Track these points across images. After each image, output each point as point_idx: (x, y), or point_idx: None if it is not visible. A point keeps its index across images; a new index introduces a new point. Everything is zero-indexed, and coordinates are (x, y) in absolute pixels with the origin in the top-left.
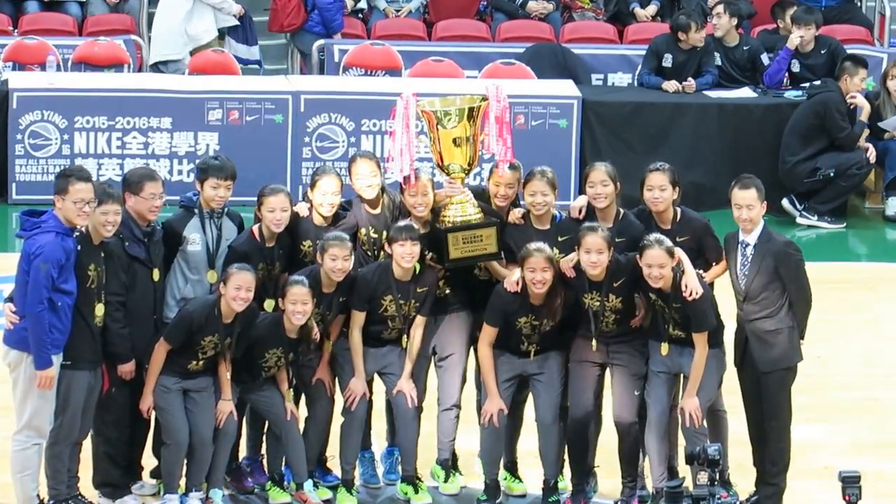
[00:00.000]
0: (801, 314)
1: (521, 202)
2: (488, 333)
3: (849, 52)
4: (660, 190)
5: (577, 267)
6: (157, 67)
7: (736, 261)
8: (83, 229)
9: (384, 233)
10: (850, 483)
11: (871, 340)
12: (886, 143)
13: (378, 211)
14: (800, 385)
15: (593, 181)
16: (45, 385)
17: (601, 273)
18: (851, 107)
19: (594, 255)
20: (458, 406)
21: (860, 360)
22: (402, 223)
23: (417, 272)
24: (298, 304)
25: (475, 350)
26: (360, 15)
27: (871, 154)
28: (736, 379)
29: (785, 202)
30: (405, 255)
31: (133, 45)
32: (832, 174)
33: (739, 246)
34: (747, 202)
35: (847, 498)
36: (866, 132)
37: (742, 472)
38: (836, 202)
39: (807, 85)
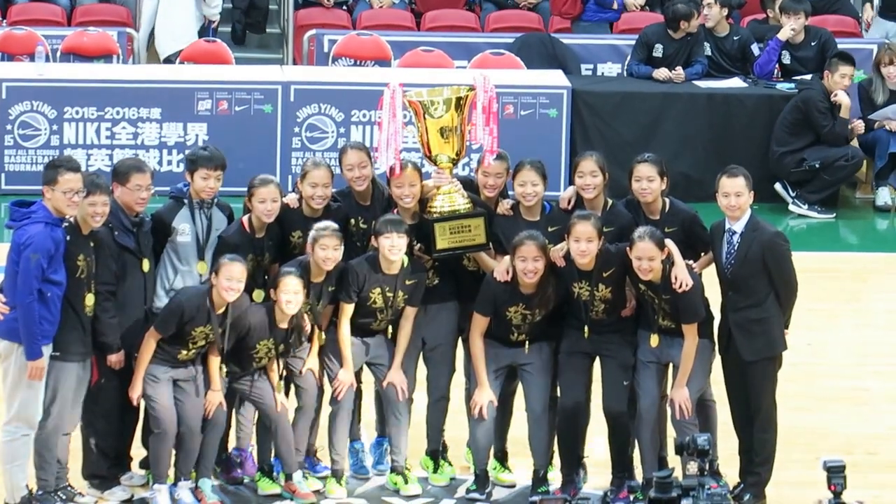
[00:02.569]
0: (786, 304)
1: (510, 192)
2: (479, 323)
3: (839, 46)
4: (648, 181)
5: (567, 256)
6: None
7: (721, 249)
8: (72, 219)
9: (373, 224)
10: (836, 473)
11: (860, 330)
12: (876, 132)
13: (368, 202)
14: (788, 374)
15: (583, 171)
16: (36, 375)
17: (590, 262)
18: (835, 104)
19: (584, 244)
20: (447, 397)
21: (850, 349)
22: (388, 216)
23: (406, 264)
24: (290, 295)
25: (464, 340)
26: (345, 6)
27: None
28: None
29: (777, 186)
30: (391, 249)
31: (125, 37)
32: (817, 166)
33: (726, 234)
34: (735, 189)
35: (832, 488)
36: (860, 128)
37: (731, 463)
38: (825, 193)
39: (798, 78)
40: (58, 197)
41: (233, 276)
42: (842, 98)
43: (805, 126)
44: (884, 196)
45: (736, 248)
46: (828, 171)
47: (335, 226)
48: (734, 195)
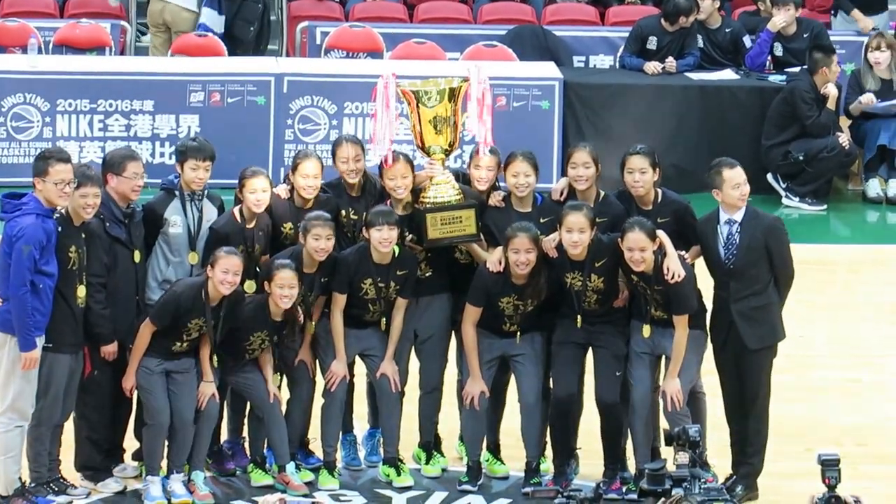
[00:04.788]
0: (784, 290)
1: (502, 184)
2: (471, 314)
3: (824, 38)
4: (640, 173)
5: (559, 246)
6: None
7: (718, 241)
8: (63, 211)
9: (364, 215)
10: (830, 466)
11: (852, 321)
12: (865, 124)
13: (359, 193)
14: (780, 365)
15: (576, 162)
16: (30, 366)
17: (583, 252)
18: (824, 95)
19: (576, 235)
20: (440, 389)
21: (841, 340)
22: (379, 208)
23: (397, 255)
24: (286, 289)
25: (456, 332)
26: None
27: (845, 140)
28: (713, 360)
29: (770, 177)
30: (382, 241)
31: (117, 29)
32: (801, 158)
33: (725, 225)
34: (743, 178)
35: (827, 481)
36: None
37: (721, 454)
38: (813, 185)
39: (788, 70)
40: (49, 188)
41: (229, 269)
42: (830, 90)
43: (792, 119)
44: (874, 188)
45: (737, 237)
46: (811, 163)
47: (327, 215)
48: (744, 184)
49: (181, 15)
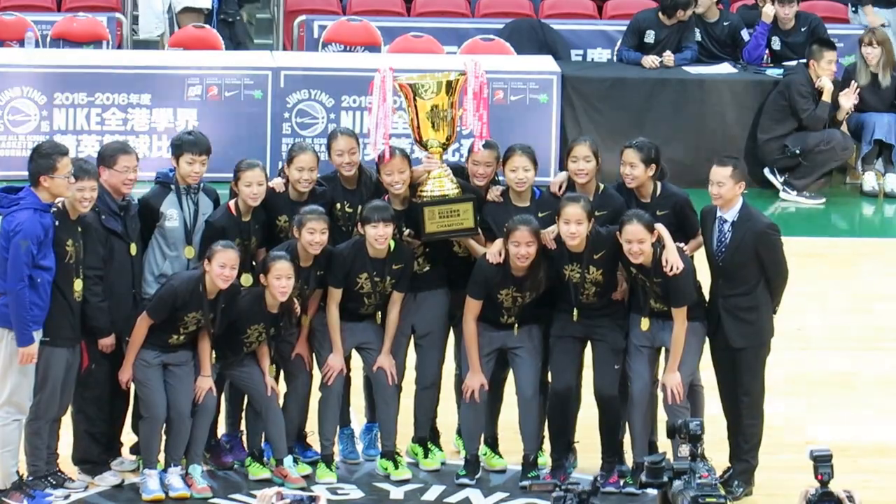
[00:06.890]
0: (776, 291)
1: (500, 179)
2: (472, 307)
3: (827, 30)
4: (630, 166)
5: (558, 238)
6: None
7: (712, 236)
8: (60, 205)
9: (359, 208)
10: (822, 462)
11: (849, 314)
12: (861, 118)
13: (354, 186)
14: (778, 359)
15: (576, 156)
16: (27, 361)
17: (580, 244)
18: (819, 89)
19: (573, 226)
20: (438, 384)
21: (839, 334)
22: (375, 203)
23: (393, 249)
24: (283, 279)
25: (454, 327)
26: None
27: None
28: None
29: (766, 171)
30: (378, 237)
31: (114, 23)
32: (798, 152)
33: (717, 221)
34: (717, 179)
35: (819, 477)
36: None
37: (718, 447)
38: (809, 179)
39: (786, 64)
40: (58, 182)
41: (226, 263)
42: (825, 83)
43: (788, 113)
44: (870, 181)
45: (728, 236)
46: (808, 157)
47: (321, 209)
48: (716, 184)
49: (193, 18)
